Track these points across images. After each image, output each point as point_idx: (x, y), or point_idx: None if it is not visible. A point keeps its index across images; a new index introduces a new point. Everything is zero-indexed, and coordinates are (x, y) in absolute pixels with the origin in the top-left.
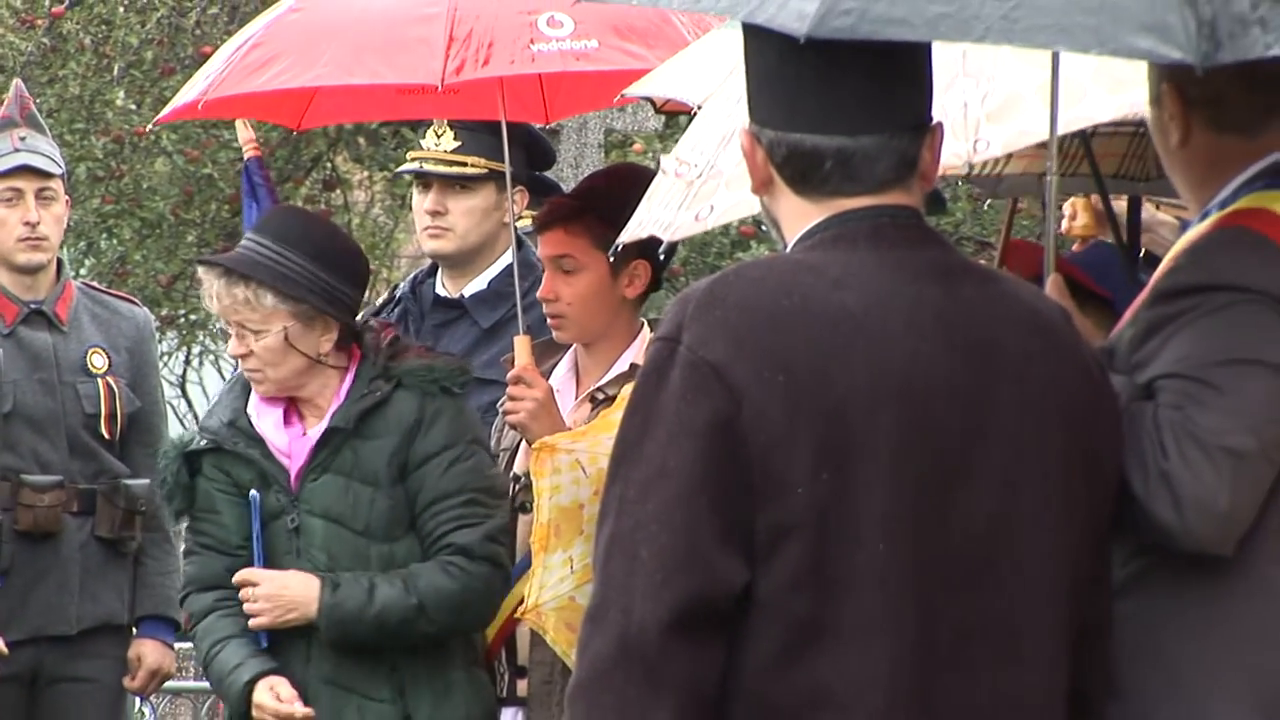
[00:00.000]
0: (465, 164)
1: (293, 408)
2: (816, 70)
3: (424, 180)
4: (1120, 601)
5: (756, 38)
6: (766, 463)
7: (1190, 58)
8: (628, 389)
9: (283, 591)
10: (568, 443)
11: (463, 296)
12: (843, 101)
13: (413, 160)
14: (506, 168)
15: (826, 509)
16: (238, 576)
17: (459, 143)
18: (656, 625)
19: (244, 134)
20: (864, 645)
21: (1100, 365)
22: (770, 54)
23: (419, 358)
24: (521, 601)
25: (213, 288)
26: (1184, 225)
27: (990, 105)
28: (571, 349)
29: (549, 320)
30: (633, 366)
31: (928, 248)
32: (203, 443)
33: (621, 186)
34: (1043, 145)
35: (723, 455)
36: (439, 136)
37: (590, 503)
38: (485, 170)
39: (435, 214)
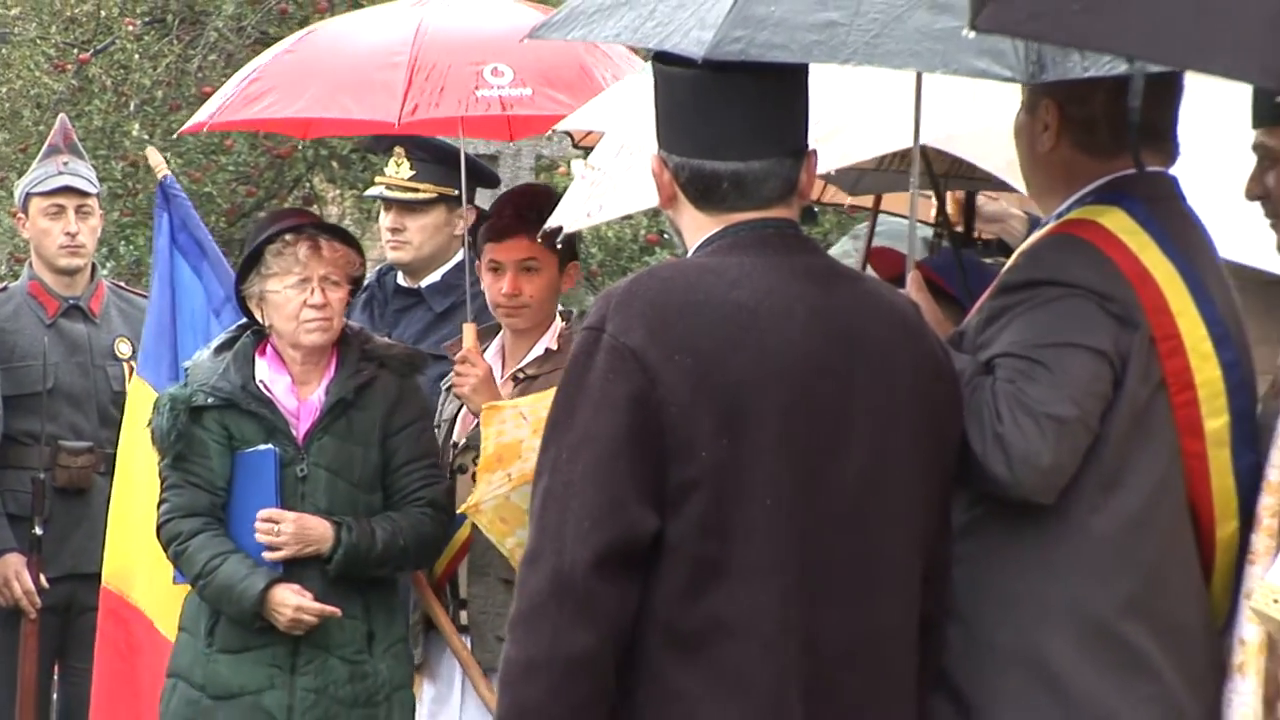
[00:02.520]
0: (418, 190)
1: (293, 377)
2: (714, 104)
3: (386, 202)
4: (961, 542)
5: (664, 77)
6: (676, 430)
7: (1019, 77)
8: None
9: (305, 531)
10: (513, 403)
11: (420, 287)
12: (737, 132)
13: (378, 185)
14: (462, 190)
15: (724, 469)
16: (265, 514)
17: (414, 171)
18: (585, 566)
19: (155, 159)
20: (755, 582)
21: (945, 349)
22: (676, 90)
23: (382, 345)
24: (464, 544)
25: (314, 250)
26: (1033, 221)
27: (819, 133)
28: (499, 336)
29: (509, 311)
30: (547, 350)
31: (805, 253)
32: (210, 400)
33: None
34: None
35: (640, 424)
36: (398, 166)
37: (529, 438)
38: (435, 194)
39: (395, 231)
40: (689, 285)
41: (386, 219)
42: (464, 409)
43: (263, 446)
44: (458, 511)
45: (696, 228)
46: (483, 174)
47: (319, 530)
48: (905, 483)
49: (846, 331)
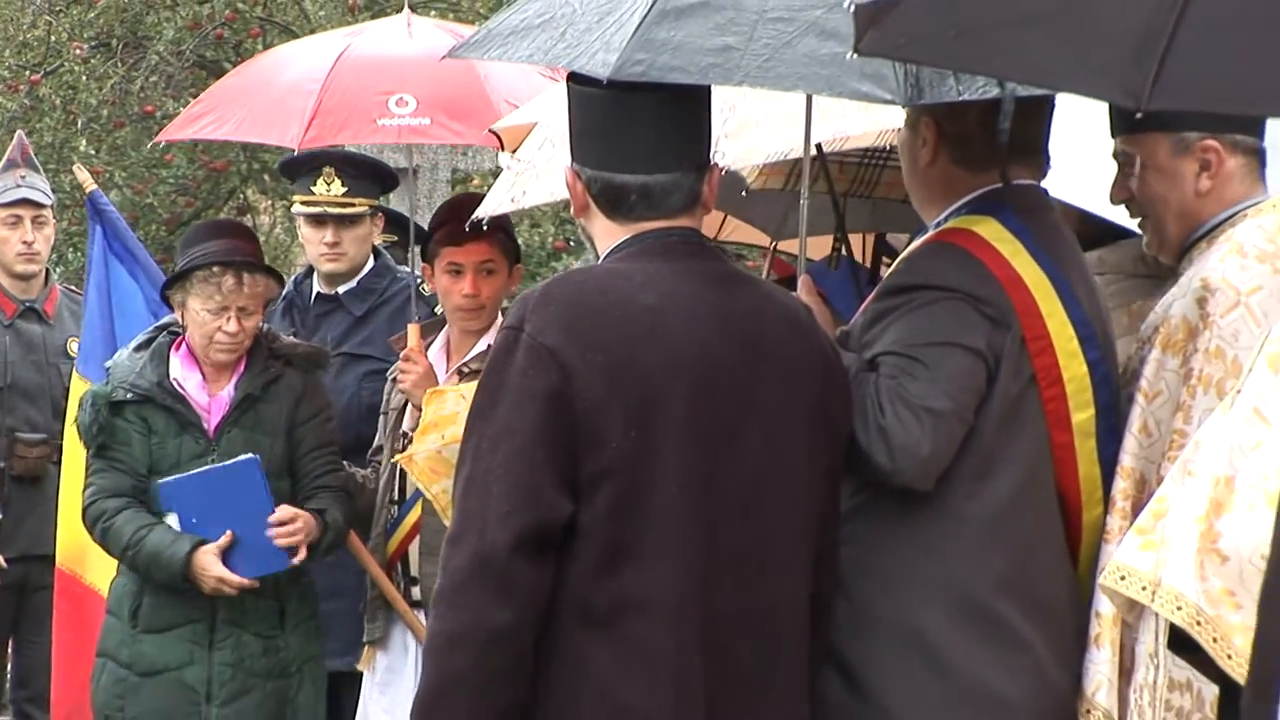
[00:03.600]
0: (354, 204)
1: (204, 375)
2: (624, 122)
3: (318, 219)
4: (847, 525)
5: (578, 96)
6: (589, 423)
7: (898, 100)
8: None
9: (310, 522)
10: (455, 388)
11: (338, 293)
12: (645, 147)
13: (308, 203)
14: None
15: (633, 459)
16: (280, 516)
17: (345, 188)
18: (504, 547)
19: (82, 175)
20: (660, 562)
21: (834, 347)
22: (588, 109)
23: (288, 344)
24: (414, 526)
25: (238, 283)
26: (917, 231)
27: (729, 127)
28: (444, 332)
29: (468, 313)
30: (489, 347)
31: (707, 259)
32: (129, 395)
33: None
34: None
35: (555, 417)
36: (329, 184)
37: (463, 412)
38: (366, 207)
39: (333, 245)
40: (601, 289)
41: (322, 234)
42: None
43: (243, 457)
44: (393, 460)
45: (607, 235)
46: (389, 180)
47: (314, 520)
48: (798, 470)
49: (745, 330)
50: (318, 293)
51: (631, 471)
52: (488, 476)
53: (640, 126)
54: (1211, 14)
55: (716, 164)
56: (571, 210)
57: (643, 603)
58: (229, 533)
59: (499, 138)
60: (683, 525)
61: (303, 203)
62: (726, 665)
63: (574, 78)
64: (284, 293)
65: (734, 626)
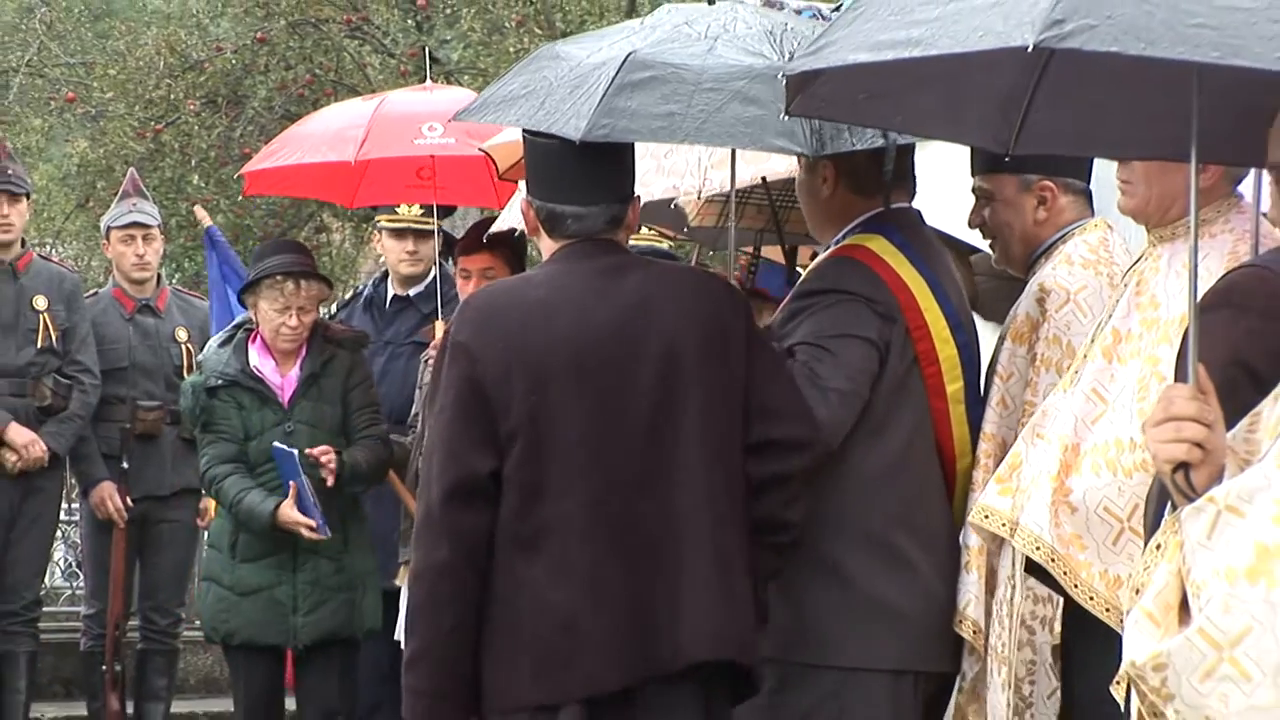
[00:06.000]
0: (429, 222)
1: (276, 360)
2: (566, 165)
3: (401, 232)
4: None
5: (531, 145)
6: (495, 395)
7: (807, 151)
8: None
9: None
10: None
11: (410, 295)
12: (581, 184)
13: (393, 221)
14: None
15: (535, 419)
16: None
17: (422, 210)
18: (439, 499)
19: (200, 214)
20: (566, 495)
21: (735, 305)
22: (539, 154)
23: (338, 330)
24: None
25: (296, 288)
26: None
27: (713, 159)
28: None
29: None
30: None
31: (605, 256)
32: (219, 381)
33: (508, 230)
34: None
35: (469, 394)
36: (410, 208)
37: None
38: (434, 225)
39: (412, 253)
40: (505, 291)
41: (404, 244)
42: None
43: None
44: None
45: (548, 251)
46: (448, 207)
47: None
48: (695, 399)
49: (632, 303)
50: (394, 294)
51: (534, 428)
52: (433, 448)
53: (579, 169)
54: (1063, 76)
55: (639, 196)
56: (527, 232)
57: (556, 527)
58: (294, 485)
59: (491, 158)
60: (580, 463)
61: (389, 220)
62: (648, 559)
63: (529, 131)
64: (364, 294)
65: (651, 526)
